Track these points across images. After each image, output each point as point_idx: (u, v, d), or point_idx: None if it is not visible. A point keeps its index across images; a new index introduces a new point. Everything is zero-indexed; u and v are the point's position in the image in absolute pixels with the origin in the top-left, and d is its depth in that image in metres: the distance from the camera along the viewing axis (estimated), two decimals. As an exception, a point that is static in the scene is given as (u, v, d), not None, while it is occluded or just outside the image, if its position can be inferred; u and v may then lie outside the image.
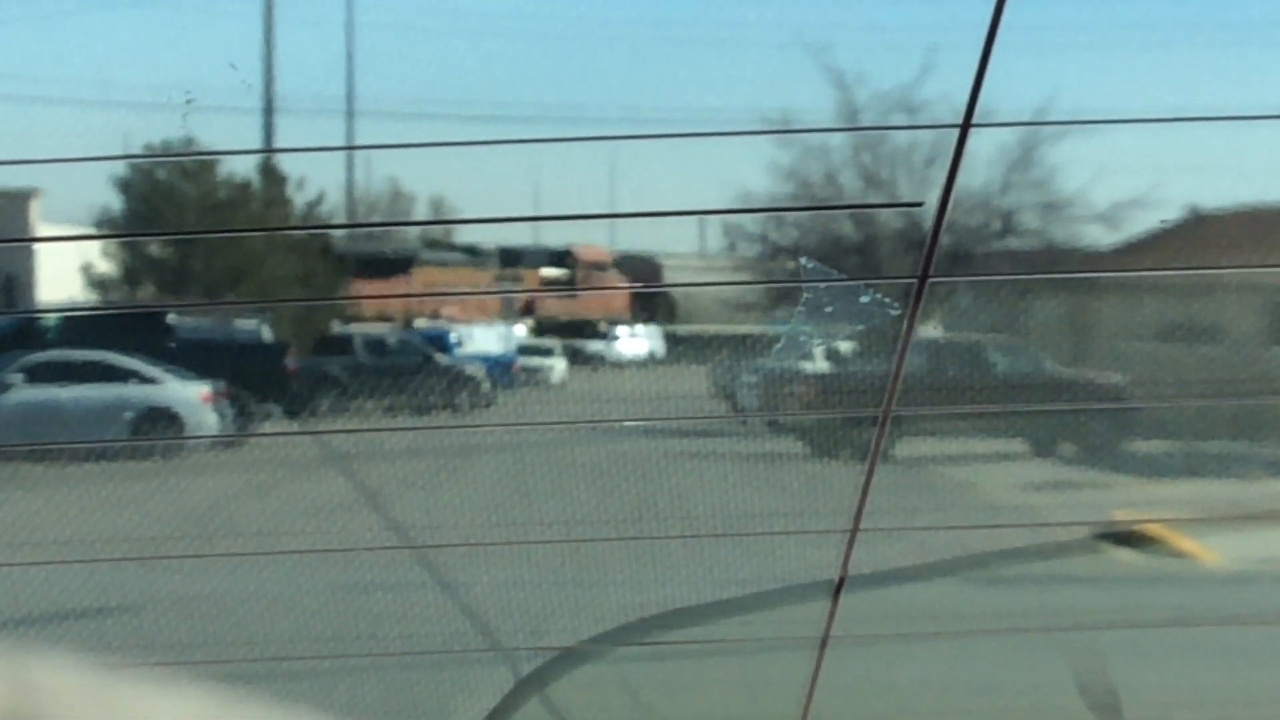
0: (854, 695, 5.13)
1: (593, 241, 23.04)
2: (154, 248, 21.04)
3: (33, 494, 9.45)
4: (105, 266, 20.77)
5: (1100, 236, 17.26)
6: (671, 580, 6.14)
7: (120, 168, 20.53)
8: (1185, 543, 8.31)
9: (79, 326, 16.30)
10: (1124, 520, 9.85)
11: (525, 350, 19.54)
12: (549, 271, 22.96)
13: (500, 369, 18.36)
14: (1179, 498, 11.47)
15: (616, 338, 19.77)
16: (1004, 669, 5.86)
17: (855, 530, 3.01)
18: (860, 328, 2.84)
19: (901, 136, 20.00)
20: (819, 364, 11.31)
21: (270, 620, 6.69)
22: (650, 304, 20.65)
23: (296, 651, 6.14)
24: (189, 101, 3.60)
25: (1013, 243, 17.87)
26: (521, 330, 20.59)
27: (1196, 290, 13.41)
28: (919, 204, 2.77)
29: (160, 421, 14.58)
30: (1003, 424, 12.73)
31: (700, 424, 12.88)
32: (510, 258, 22.76)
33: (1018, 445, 12.96)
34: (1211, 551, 8.30)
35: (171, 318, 17.46)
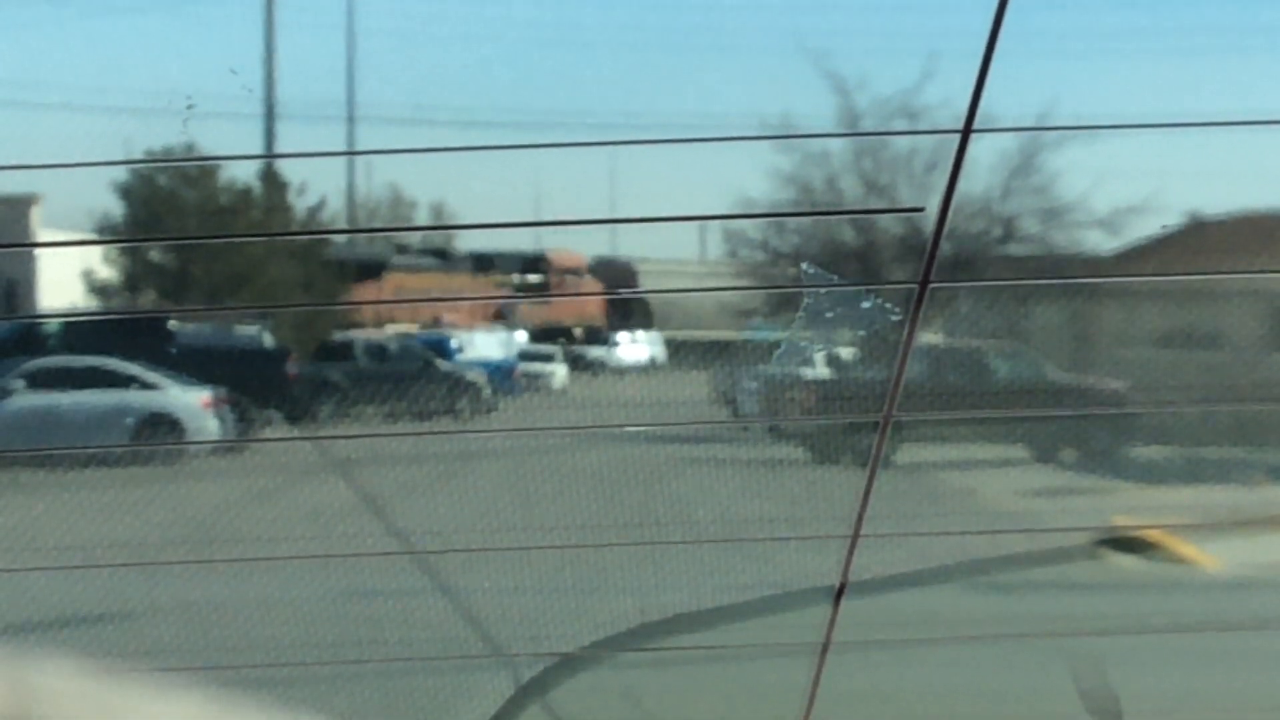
0: (855, 701, 5.13)
1: (568, 247, 22.98)
2: (154, 253, 21.04)
3: (34, 499, 9.45)
4: (106, 272, 20.78)
5: (1101, 242, 17.27)
6: (672, 586, 6.14)
7: (121, 173, 20.54)
8: (1185, 548, 8.30)
9: (80, 332, 16.30)
10: (1124, 526, 9.85)
11: (526, 356, 19.55)
12: (523, 277, 22.85)
13: (501, 375, 18.36)
14: (1179, 503, 11.47)
15: (617, 344, 19.76)
16: (1005, 674, 5.85)
17: (856, 536, 3.01)
18: (861, 333, 2.84)
19: (902, 142, 20.01)
20: (820, 369, 11.31)
21: (271, 626, 6.69)
22: (628, 309, 20.60)
23: (297, 657, 6.13)
24: (190, 107, 3.60)
25: (1014, 248, 17.87)
26: (523, 336, 20.59)
27: (1197, 296, 13.41)
28: (920, 209, 2.77)
29: (161, 427, 14.58)
30: (1003, 429, 12.72)
31: (701, 429, 12.88)
32: (483, 263, 22.65)
33: (1018, 451, 12.96)
34: (1212, 557, 8.30)
35: (172, 323, 17.47)
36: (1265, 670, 5.32)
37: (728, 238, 19.81)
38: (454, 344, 19.22)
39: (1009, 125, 2.84)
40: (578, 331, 20.76)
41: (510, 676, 4.39)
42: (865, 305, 2.81)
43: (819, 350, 2.98)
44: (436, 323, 19.78)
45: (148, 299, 20.64)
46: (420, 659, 5.95)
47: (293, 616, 6.84)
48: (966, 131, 2.32)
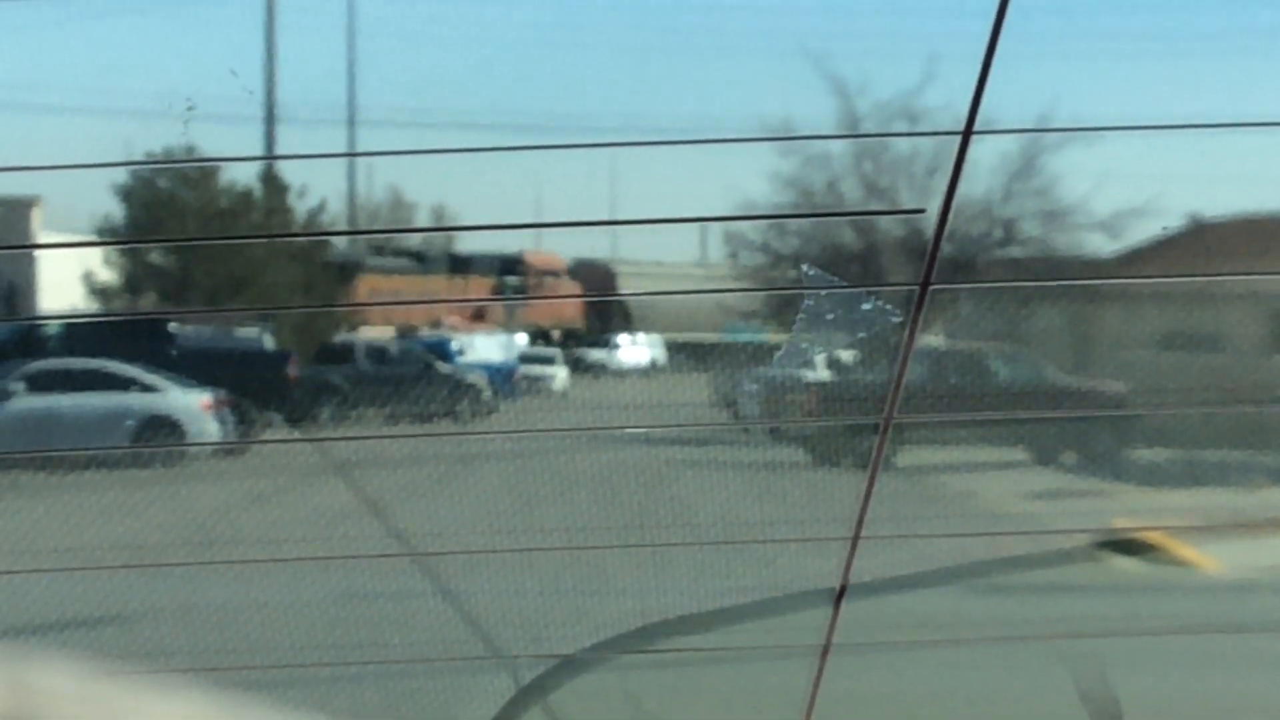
0: (855, 703, 5.13)
1: (547, 248, 22.91)
2: (155, 255, 21.05)
3: (34, 502, 9.46)
4: (106, 274, 20.79)
5: (1101, 245, 17.26)
6: (673, 588, 6.14)
7: (122, 176, 20.55)
8: (1186, 551, 8.30)
9: (80, 334, 16.31)
10: (1125, 528, 9.85)
11: (527, 359, 19.55)
12: (500, 279, 22.73)
13: (502, 377, 18.36)
14: (1180, 506, 11.47)
15: (618, 346, 19.77)
16: (1005, 677, 5.85)
17: (856, 538, 3.01)
18: (862, 335, 2.84)
19: (903, 145, 20.02)
20: (820, 372, 11.31)
21: (272, 628, 6.69)
22: (606, 311, 20.56)
23: (298, 659, 6.13)
24: (190, 109, 3.60)
25: (1014, 251, 17.88)
26: (523, 339, 20.58)
27: (1197, 298, 13.41)
28: (920, 211, 2.77)
29: (161, 430, 14.58)
30: (1004, 432, 12.72)
31: (702, 432, 12.88)
32: (459, 264, 22.55)
33: (1019, 453, 12.96)
34: (1212, 560, 8.29)
35: (172, 326, 17.47)
36: (1266, 673, 5.32)
37: (728, 240, 19.81)
38: (454, 346, 19.23)
39: (1010, 128, 2.84)
40: (556, 334, 20.70)
41: (510, 678, 4.39)
42: (866, 307, 2.81)
43: (819, 352, 2.98)
44: (414, 326, 19.71)
45: (148, 301, 20.65)
46: (421, 660, 5.95)
47: (293, 618, 6.84)
48: (967, 133, 2.32)
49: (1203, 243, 13.39)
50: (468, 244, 23.39)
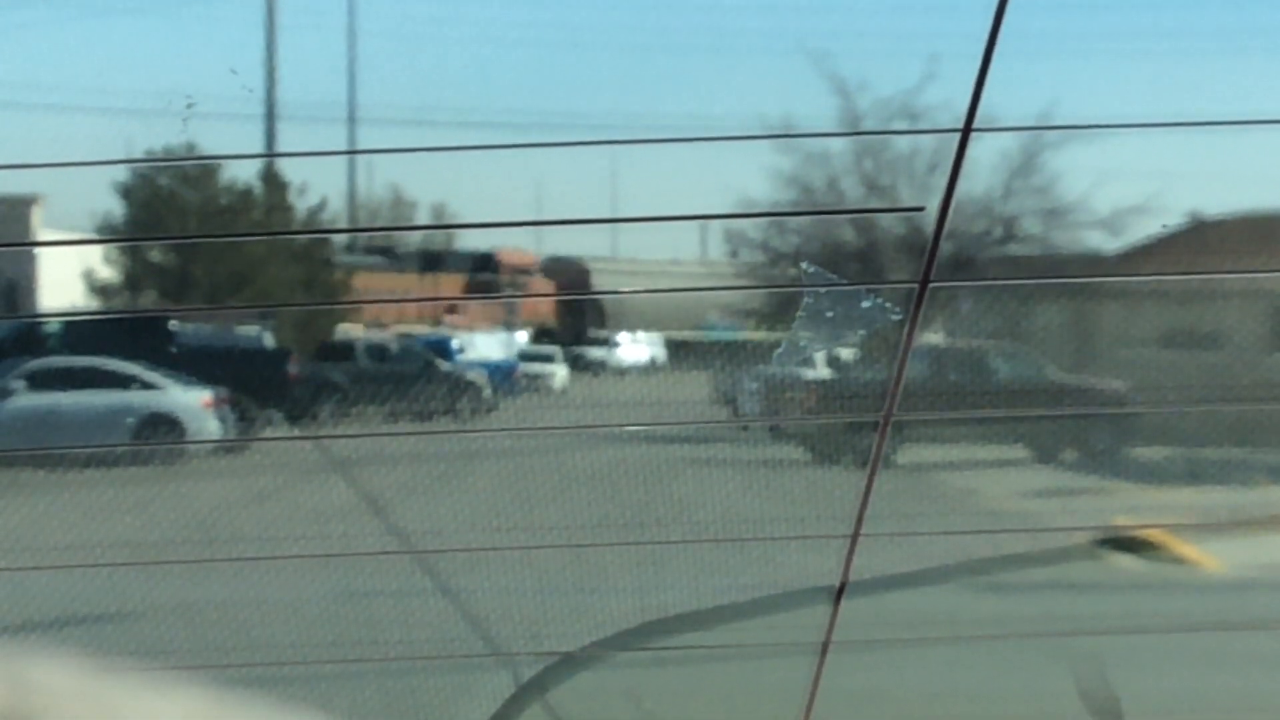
0: (855, 701, 5.13)
1: (519, 246, 22.85)
2: (155, 253, 21.06)
3: (35, 499, 9.46)
4: (107, 272, 20.80)
5: (1102, 242, 17.27)
6: (673, 586, 6.14)
7: (122, 174, 20.56)
8: (1186, 549, 8.31)
9: (81, 332, 16.31)
10: (1125, 526, 9.86)
11: (527, 357, 19.56)
12: (473, 276, 22.61)
13: (502, 375, 18.37)
14: (1180, 504, 11.47)
15: (617, 344, 19.78)
16: (1005, 674, 5.86)
17: (856, 536, 3.01)
18: (861, 333, 2.84)
19: (903, 143, 20.01)
20: (820, 370, 11.31)
21: (272, 625, 6.69)
22: (580, 310, 20.52)
23: (298, 656, 6.14)
24: (190, 106, 3.60)
25: (1014, 248, 17.88)
26: (523, 337, 20.57)
27: (1197, 296, 13.41)
28: (920, 209, 2.78)
29: (162, 427, 14.58)
30: (1004, 430, 12.72)
31: (701, 429, 12.88)
32: (431, 261, 22.48)
33: (1019, 451, 12.96)
34: (1212, 557, 8.30)
35: (172, 324, 17.47)
36: (1266, 671, 5.32)
37: (728, 238, 19.81)
38: (454, 344, 19.23)
39: (1010, 125, 2.85)
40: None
41: (510, 676, 4.39)
42: (865, 305, 2.81)
43: (819, 350, 2.98)
44: (385, 323, 19.65)
45: (148, 299, 20.66)
46: (421, 658, 5.95)
47: (293, 616, 6.84)
48: (966, 131, 2.32)
49: (1203, 240, 13.39)
50: (440, 241, 23.36)
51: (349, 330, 18.99)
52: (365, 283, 21.32)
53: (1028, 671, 5.54)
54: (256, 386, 15.56)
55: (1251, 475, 11.20)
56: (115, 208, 20.81)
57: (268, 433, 15.07)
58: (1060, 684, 4.80)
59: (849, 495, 3.05)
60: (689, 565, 6.51)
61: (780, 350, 3.02)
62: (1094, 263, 16.70)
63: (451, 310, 20.76)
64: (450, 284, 22.50)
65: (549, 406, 18.15)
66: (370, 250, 22.54)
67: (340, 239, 22.24)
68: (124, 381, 14.99)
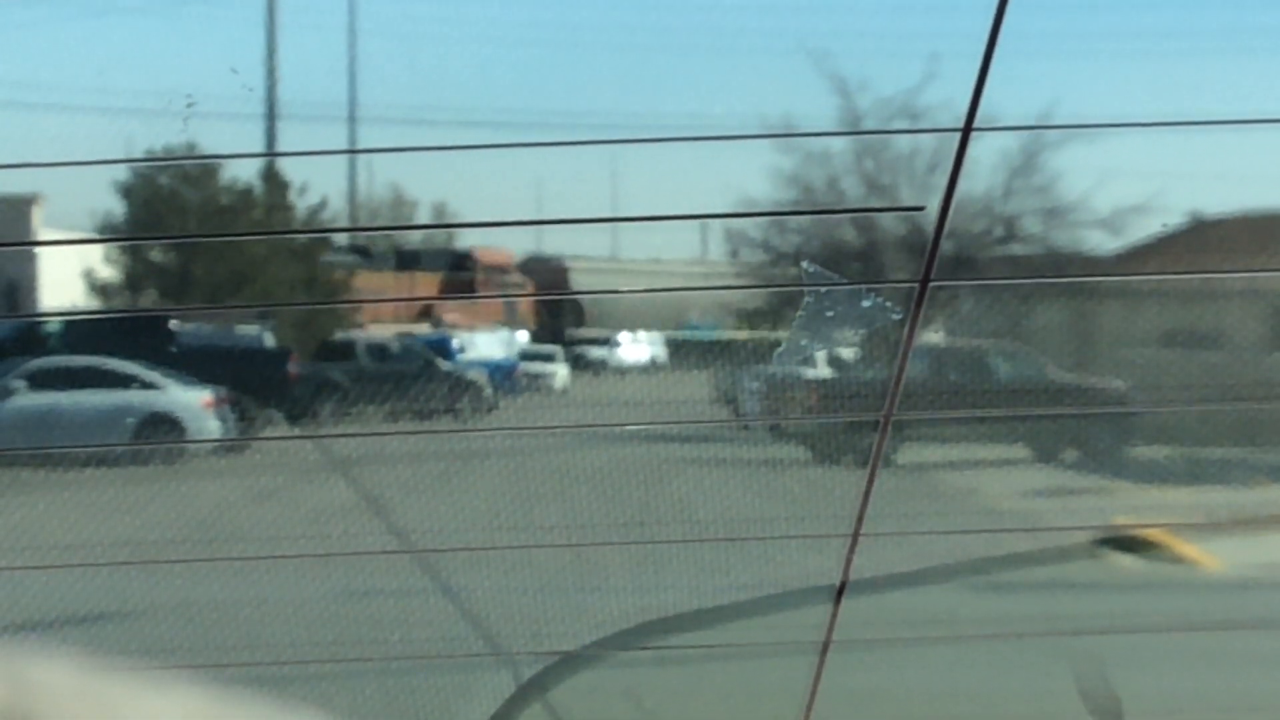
0: (856, 700, 5.13)
1: (497, 244, 22.76)
2: (155, 253, 21.06)
3: (35, 499, 9.46)
4: (107, 272, 20.80)
5: (1102, 242, 17.27)
6: (673, 585, 6.14)
7: (122, 173, 20.56)
8: (1187, 548, 8.31)
9: (81, 332, 16.31)
10: (1125, 526, 9.85)
11: (528, 356, 19.55)
12: (450, 275, 22.47)
13: (502, 374, 18.37)
14: (1181, 503, 11.47)
15: (618, 344, 19.77)
16: (1006, 674, 5.85)
17: (856, 535, 3.01)
18: (862, 332, 2.84)
19: (904, 142, 20.01)
20: (820, 369, 11.31)
21: (272, 625, 6.69)
22: (558, 309, 20.45)
23: (298, 656, 6.14)
24: (190, 106, 3.60)
25: (1015, 248, 17.88)
26: (524, 336, 20.56)
27: (1198, 296, 13.41)
28: (921, 208, 2.78)
29: (162, 427, 14.58)
30: (1004, 429, 12.72)
31: (702, 429, 12.88)
32: (407, 260, 22.36)
33: (1019, 450, 12.96)
34: (1213, 557, 8.30)
35: (173, 323, 17.47)
36: (1266, 670, 5.32)
37: (724, 237, 19.81)
38: (456, 344, 19.23)
39: (1010, 125, 2.85)
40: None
41: (511, 675, 4.40)
42: (866, 304, 2.81)
43: (819, 349, 2.98)
44: (361, 323, 19.57)
45: (148, 299, 20.66)
46: (421, 657, 5.96)
47: (294, 615, 6.84)
48: (967, 130, 2.32)
49: (1203, 240, 13.39)
50: (416, 239, 23.28)
51: (346, 330, 18.98)
52: (343, 281, 21.25)
53: (1028, 671, 5.54)
54: (257, 386, 15.57)
55: (1252, 475, 11.20)
56: (116, 207, 20.82)
57: (268, 432, 15.07)
58: (1061, 683, 4.80)
59: (849, 495, 3.05)
60: (689, 565, 6.51)
61: (780, 350, 3.02)
62: (1094, 262, 16.71)
63: (429, 310, 20.69)
64: (426, 283, 22.39)
65: (550, 406, 18.16)
66: (346, 250, 22.43)
67: (321, 238, 22.17)
68: (124, 381, 15.00)
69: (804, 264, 2.80)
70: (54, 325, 17.19)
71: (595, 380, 18.61)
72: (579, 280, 21.38)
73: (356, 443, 11.65)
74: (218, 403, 14.91)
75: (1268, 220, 12.51)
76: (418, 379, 16.96)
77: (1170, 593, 8.22)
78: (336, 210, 21.12)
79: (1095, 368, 14.45)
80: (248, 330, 18.16)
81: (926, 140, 21.81)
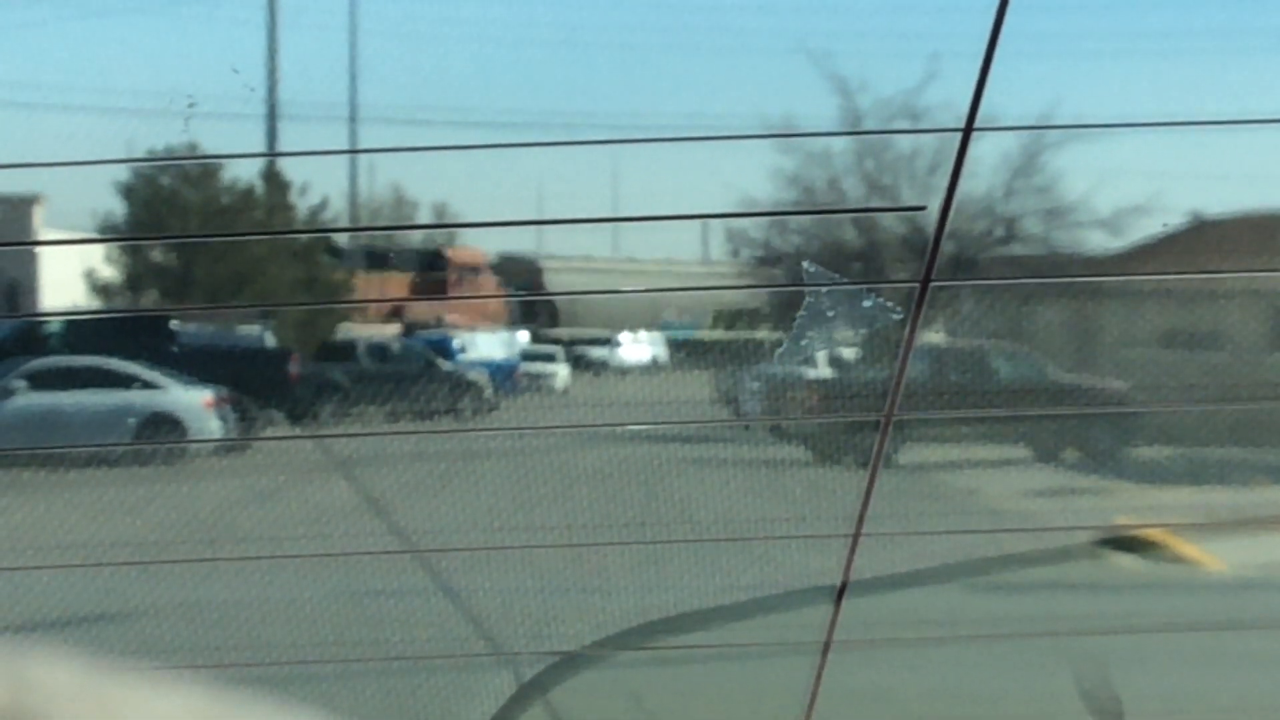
0: (856, 700, 5.13)
1: (469, 243, 22.64)
2: (156, 253, 21.07)
3: (36, 499, 9.46)
4: (108, 272, 20.81)
5: (1103, 242, 17.27)
6: (674, 585, 6.14)
7: (123, 173, 20.57)
8: (1188, 548, 8.30)
9: (82, 332, 16.32)
10: (1126, 526, 9.85)
11: (528, 356, 19.55)
12: (421, 275, 22.33)
13: (503, 374, 18.37)
14: (1182, 503, 11.46)
15: (619, 344, 19.77)
16: (1006, 675, 5.86)
17: (857, 535, 3.01)
18: (862, 332, 2.85)
19: (905, 143, 20.01)
20: (820, 369, 11.31)
21: (273, 625, 6.69)
22: (532, 309, 20.39)
23: (299, 656, 6.14)
24: (191, 106, 3.60)
25: (1015, 248, 17.88)
26: (525, 336, 20.54)
27: (1199, 296, 13.41)
28: (921, 208, 2.78)
29: (163, 427, 14.59)
30: (1005, 430, 12.72)
31: (703, 429, 12.88)
32: (376, 260, 22.20)
33: (1020, 450, 12.96)
34: (1214, 557, 8.30)
35: (174, 323, 17.48)
36: (1268, 671, 5.32)
37: (729, 238, 19.79)
38: (456, 344, 19.22)
39: (1011, 125, 2.85)
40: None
41: (512, 675, 4.40)
42: (866, 304, 2.81)
43: (820, 350, 2.98)
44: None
45: (150, 299, 20.66)
46: (422, 658, 5.96)
47: (295, 615, 6.84)
48: (968, 131, 2.32)
49: (1204, 240, 13.38)
50: (385, 238, 23.14)
51: (336, 330, 18.97)
52: (318, 281, 21.15)
53: (1029, 671, 5.54)
54: (258, 386, 15.57)
55: (1253, 475, 11.20)
56: (117, 207, 20.83)
57: (269, 433, 15.08)
58: (1062, 684, 4.80)
59: (850, 495, 3.05)
60: (691, 565, 6.51)
61: (782, 349, 3.02)
62: (1095, 262, 16.70)
63: (398, 311, 20.59)
64: (396, 283, 22.27)
65: (551, 407, 18.18)
66: (324, 250, 22.29)
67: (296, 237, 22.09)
68: (125, 381, 15.00)
69: (805, 264, 2.80)
70: (55, 325, 17.20)
71: (595, 379, 18.62)
72: (551, 280, 21.31)
73: (358, 442, 11.66)
74: (219, 402, 14.92)
75: (1269, 220, 12.51)
76: (407, 379, 16.96)
77: (1171, 593, 8.22)
78: (337, 210, 21.12)
79: (1096, 368, 14.45)
80: (249, 330, 18.17)
81: (927, 140, 21.82)
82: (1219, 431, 11.83)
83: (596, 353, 19.17)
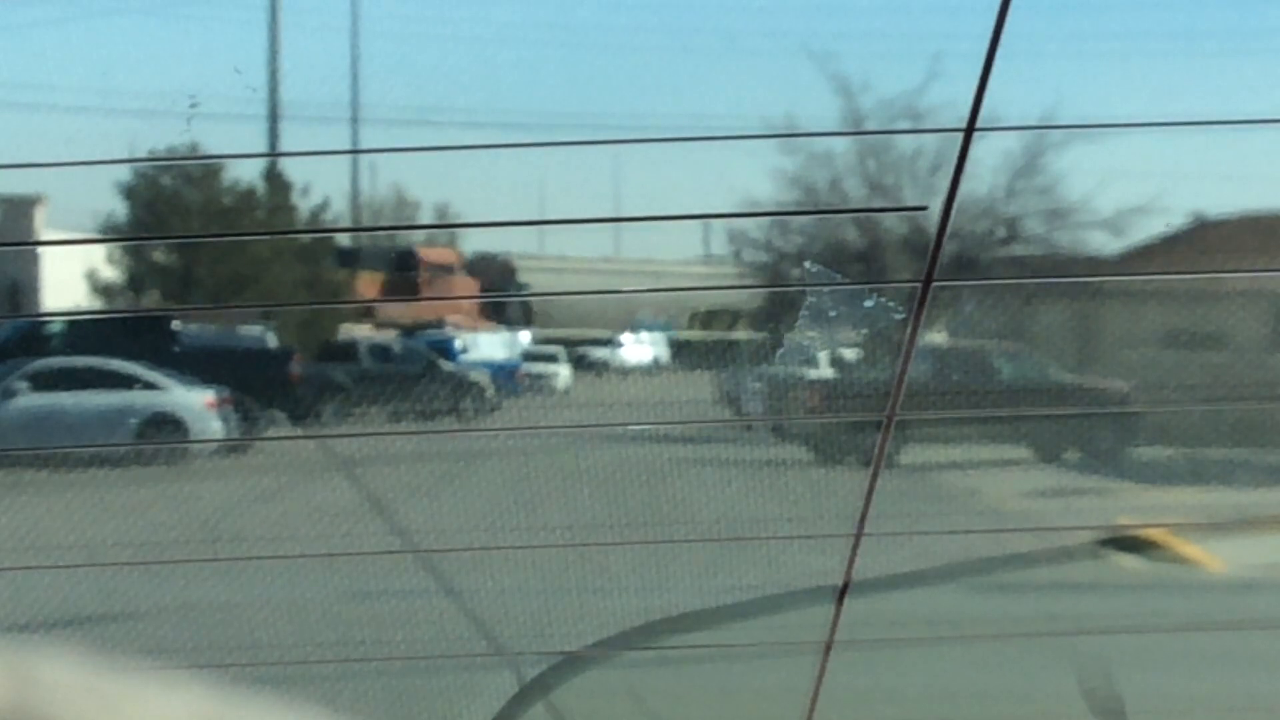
0: (858, 700, 5.13)
1: (441, 243, 22.55)
2: (158, 254, 21.07)
3: (38, 499, 9.47)
4: (110, 273, 20.81)
5: (1105, 242, 17.27)
6: (676, 585, 6.14)
7: (125, 174, 20.57)
8: (1189, 549, 8.30)
9: (83, 333, 16.32)
10: (1128, 526, 9.85)
11: (530, 356, 19.55)
12: (394, 275, 22.22)
13: (505, 375, 18.37)
14: (1183, 504, 11.47)
15: (621, 345, 19.76)
16: (1008, 675, 5.86)
17: (859, 535, 3.01)
18: (864, 333, 2.85)
19: (907, 143, 20.01)
20: (822, 369, 11.31)
21: (275, 625, 6.70)
22: (501, 308, 20.34)
23: (301, 656, 6.14)
24: (193, 106, 3.61)
25: (1017, 248, 17.88)
26: (527, 337, 20.53)
27: (1201, 296, 13.41)
28: (923, 208, 2.78)
29: (165, 428, 14.60)
30: (1007, 430, 12.72)
31: (705, 429, 12.88)
32: (346, 259, 22.06)
33: (1022, 451, 12.96)
34: (1216, 557, 8.30)
35: (175, 324, 17.48)
36: (1269, 671, 5.32)
37: (731, 238, 19.78)
38: (458, 344, 19.22)
39: (1012, 125, 2.85)
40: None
41: (514, 675, 4.40)
42: (868, 304, 2.81)
43: (822, 350, 2.98)
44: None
45: (151, 299, 20.66)
46: (424, 658, 5.96)
47: (297, 615, 6.84)
48: (969, 131, 2.32)
49: (1206, 241, 13.38)
50: (355, 238, 23.03)
51: (334, 330, 18.97)
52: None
53: (1031, 671, 5.54)
54: (260, 386, 15.57)
55: (1255, 475, 11.19)
56: (118, 208, 20.83)
57: (271, 433, 15.08)
58: (1063, 684, 4.80)
59: (852, 495, 3.05)
60: (693, 565, 6.52)
61: (783, 349, 3.02)
62: (1097, 263, 16.70)
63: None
64: (368, 283, 22.16)
65: (551, 406, 18.18)
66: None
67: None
68: (127, 382, 15.01)
69: (807, 264, 2.80)
70: (57, 326, 17.20)
71: (597, 380, 18.63)
72: (526, 279, 21.23)
73: (359, 443, 11.66)
74: (220, 403, 14.92)
75: (1271, 221, 12.51)
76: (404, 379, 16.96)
77: (1173, 593, 8.22)
78: (339, 211, 21.12)
79: (1098, 368, 14.45)
80: (250, 330, 18.17)
81: (929, 141, 21.81)
82: (1220, 432, 11.83)
83: (598, 353, 19.17)
